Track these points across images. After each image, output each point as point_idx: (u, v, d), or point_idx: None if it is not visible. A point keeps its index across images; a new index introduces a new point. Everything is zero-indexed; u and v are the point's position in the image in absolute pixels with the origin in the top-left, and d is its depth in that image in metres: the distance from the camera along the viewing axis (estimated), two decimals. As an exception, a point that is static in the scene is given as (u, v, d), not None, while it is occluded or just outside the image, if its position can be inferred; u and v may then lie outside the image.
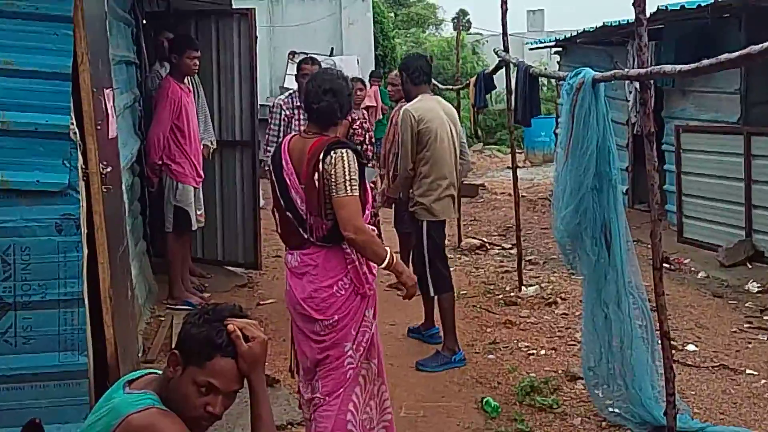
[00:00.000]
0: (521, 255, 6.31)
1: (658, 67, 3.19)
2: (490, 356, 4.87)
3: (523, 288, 6.11)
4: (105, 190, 3.71)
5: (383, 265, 3.14)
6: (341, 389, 3.22)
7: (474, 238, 8.20)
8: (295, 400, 3.87)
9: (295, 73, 5.64)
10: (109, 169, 3.79)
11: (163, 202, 5.49)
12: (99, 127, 3.60)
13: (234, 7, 6.48)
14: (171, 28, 6.13)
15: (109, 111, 4.01)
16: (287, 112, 5.30)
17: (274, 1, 13.50)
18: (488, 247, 8.01)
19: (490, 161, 14.97)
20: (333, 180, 2.96)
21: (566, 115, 3.84)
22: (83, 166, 3.51)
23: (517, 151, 7.40)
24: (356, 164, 3.04)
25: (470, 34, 18.21)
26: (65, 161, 3.40)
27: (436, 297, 4.85)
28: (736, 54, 2.34)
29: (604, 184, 3.73)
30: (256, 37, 6.10)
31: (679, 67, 2.88)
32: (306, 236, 3.09)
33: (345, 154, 2.99)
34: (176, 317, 5.23)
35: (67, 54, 3.30)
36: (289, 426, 3.91)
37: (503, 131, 14.72)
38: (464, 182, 9.30)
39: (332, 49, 12.83)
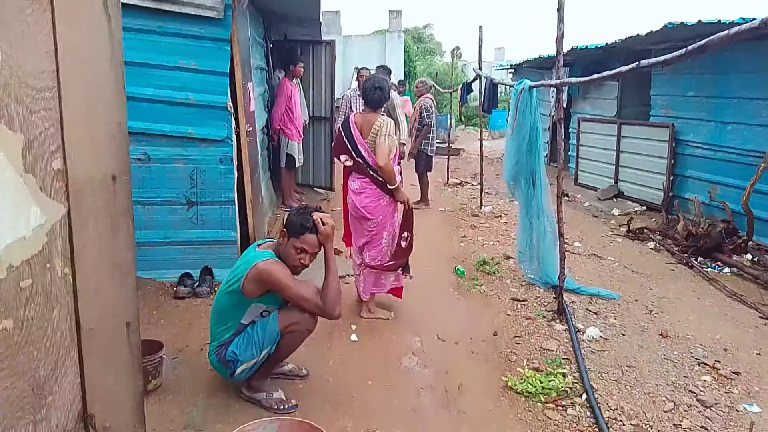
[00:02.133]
0: (482, 189, 8.54)
1: (566, 79, 4.37)
2: (461, 244, 6.41)
3: (482, 207, 8.14)
4: (248, 140, 4.79)
5: (392, 187, 4.00)
6: (378, 257, 4.22)
7: (456, 179, 10.54)
8: (348, 263, 4.75)
9: (356, 76, 7.54)
10: (250, 128, 4.86)
11: (280, 150, 7.31)
12: (246, 104, 4.69)
13: (323, 38, 8.27)
14: (287, 49, 7.74)
15: (251, 95, 5.05)
16: (352, 99, 7.21)
17: (346, 37, 18.31)
18: (464, 184, 10.22)
19: (469, 136, 18.36)
20: (379, 132, 3.91)
21: (513, 107, 4.81)
22: (236, 126, 4.54)
23: (484, 130, 9.65)
24: (392, 127, 3.94)
25: (461, 60, 23.85)
26: (225, 123, 4.40)
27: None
28: (612, 72, 2.91)
29: (533, 149, 4.70)
30: (335, 57, 8.00)
31: (577, 79, 3.91)
32: (368, 169, 3.99)
33: (386, 120, 3.97)
34: (286, 215, 5.36)
35: (226, 60, 4.31)
36: (345, 276, 4.84)
37: (476, 118, 18.50)
38: (452, 146, 11.67)
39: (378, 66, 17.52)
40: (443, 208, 8.31)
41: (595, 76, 3.18)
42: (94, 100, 1.06)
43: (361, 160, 3.98)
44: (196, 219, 4.54)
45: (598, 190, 9.01)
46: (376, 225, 4.08)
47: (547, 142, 10.38)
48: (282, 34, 8.19)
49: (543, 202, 4.70)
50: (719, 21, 5.43)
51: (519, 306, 4.63)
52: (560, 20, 3.95)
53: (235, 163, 4.58)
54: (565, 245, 4.40)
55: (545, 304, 4.63)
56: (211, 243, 4.62)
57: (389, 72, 7.01)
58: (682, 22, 5.88)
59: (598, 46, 8.29)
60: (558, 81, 4.03)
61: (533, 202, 4.77)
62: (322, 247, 2.93)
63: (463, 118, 20.79)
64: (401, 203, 4.10)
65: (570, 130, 10.14)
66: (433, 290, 4.96)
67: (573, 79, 3.85)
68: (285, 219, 2.99)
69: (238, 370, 2.97)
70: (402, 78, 16.21)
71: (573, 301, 4.65)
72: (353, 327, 4.15)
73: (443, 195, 9.33)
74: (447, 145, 10.86)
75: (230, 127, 4.46)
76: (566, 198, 8.43)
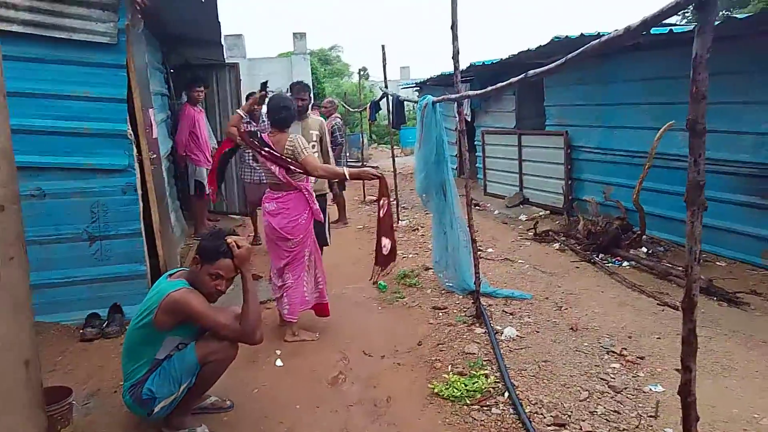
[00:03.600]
0: (398, 203, 8.71)
1: (465, 92, 4.11)
2: (382, 259, 6.78)
3: (399, 222, 8.22)
4: (153, 167, 4.74)
5: (348, 177, 3.95)
6: (300, 274, 4.23)
7: (372, 196, 10.07)
8: (268, 287, 4.70)
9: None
10: (154, 156, 4.81)
11: (188, 178, 7.12)
12: (147, 131, 4.65)
13: (227, 62, 8.16)
14: (188, 75, 7.47)
15: (153, 121, 5.00)
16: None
17: (251, 60, 17.49)
18: (380, 200, 10.55)
19: (381, 153, 18.72)
20: (295, 153, 3.91)
21: (419, 122, 4.90)
22: (138, 154, 4.47)
23: (395, 146, 9.76)
24: (304, 140, 4.01)
25: (368, 80, 24.52)
26: (126, 151, 4.35)
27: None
28: (504, 83, 3.00)
29: (441, 160, 4.81)
30: (240, 80, 8.01)
31: (474, 92, 3.82)
32: (285, 184, 3.99)
33: (296, 137, 4.00)
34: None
35: (123, 87, 4.24)
36: (267, 301, 4.88)
37: (388, 136, 18.90)
38: (366, 164, 11.64)
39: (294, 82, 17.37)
40: (362, 225, 8.43)
41: (490, 88, 3.35)
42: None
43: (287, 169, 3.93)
44: (100, 254, 4.36)
45: (506, 198, 9.42)
46: (297, 244, 4.06)
47: (455, 156, 10.69)
48: (183, 59, 7.96)
49: (455, 212, 4.82)
50: (598, 33, 5.89)
51: (440, 314, 4.73)
52: (455, 38, 4.12)
53: (140, 192, 4.48)
54: (479, 251, 4.54)
55: (464, 309, 4.75)
56: (119, 279, 4.45)
57: (309, 89, 5.89)
58: (567, 36, 6.35)
59: (494, 61, 8.63)
60: (458, 95, 4.18)
61: (446, 213, 4.89)
62: (238, 272, 2.87)
63: (374, 137, 21.22)
64: (371, 177, 4.00)
65: (476, 142, 10.58)
66: (357, 307, 4.97)
67: (471, 93, 3.96)
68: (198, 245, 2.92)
69: (157, 409, 2.84)
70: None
71: (490, 305, 4.80)
72: (278, 352, 4.09)
73: (360, 212, 9.41)
74: (361, 163, 11.14)
75: (132, 155, 4.36)
76: (477, 207, 8.66)
